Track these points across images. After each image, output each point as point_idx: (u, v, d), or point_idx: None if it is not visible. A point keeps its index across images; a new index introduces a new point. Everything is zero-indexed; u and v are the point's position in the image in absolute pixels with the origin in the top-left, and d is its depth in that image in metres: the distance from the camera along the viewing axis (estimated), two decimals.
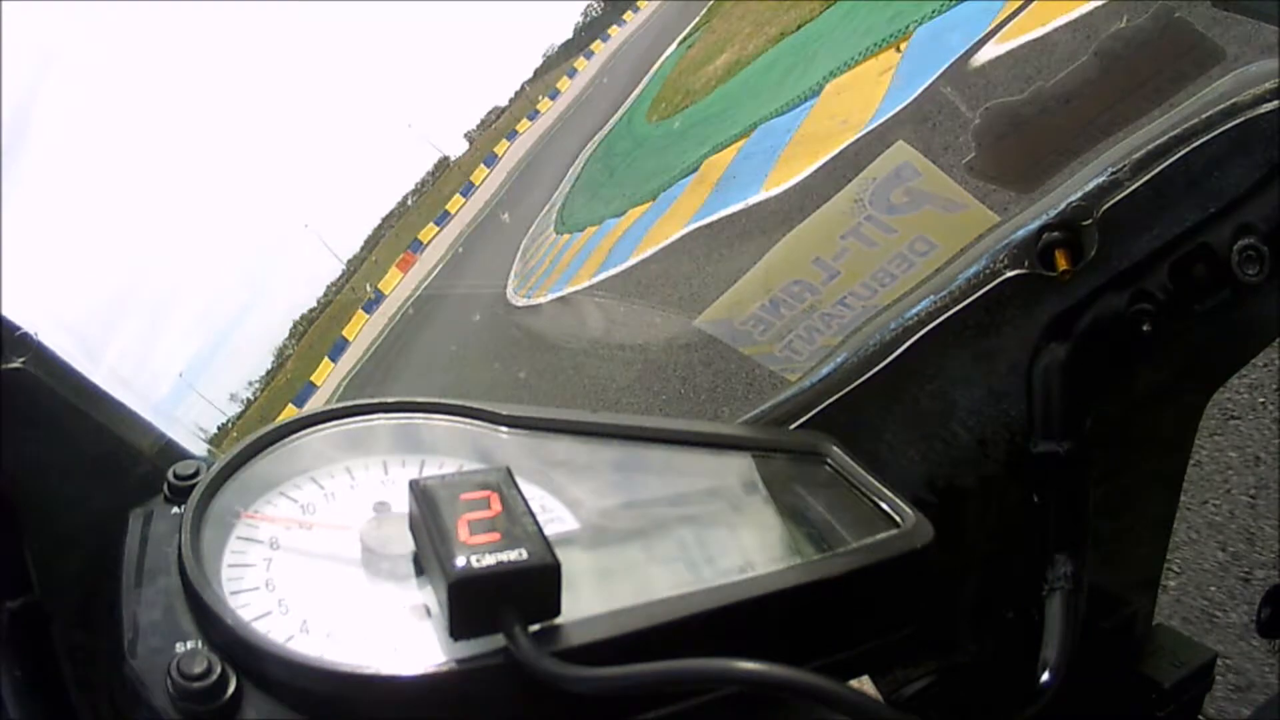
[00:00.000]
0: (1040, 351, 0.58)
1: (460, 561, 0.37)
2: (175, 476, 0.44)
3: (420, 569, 0.41)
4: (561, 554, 0.39)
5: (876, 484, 0.52)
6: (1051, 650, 0.54)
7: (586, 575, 0.43)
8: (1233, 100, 0.59)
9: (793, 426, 0.58)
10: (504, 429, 0.50)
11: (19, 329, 0.48)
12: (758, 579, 0.45)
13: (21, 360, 0.47)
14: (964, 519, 0.58)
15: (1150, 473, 0.66)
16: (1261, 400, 1.85)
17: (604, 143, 10.79)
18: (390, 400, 0.50)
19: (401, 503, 0.43)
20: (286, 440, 0.47)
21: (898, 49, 4.77)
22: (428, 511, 0.40)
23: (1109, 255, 0.58)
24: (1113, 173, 0.59)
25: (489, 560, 0.37)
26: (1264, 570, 1.63)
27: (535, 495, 0.46)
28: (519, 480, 0.42)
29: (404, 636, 0.39)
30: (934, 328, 0.58)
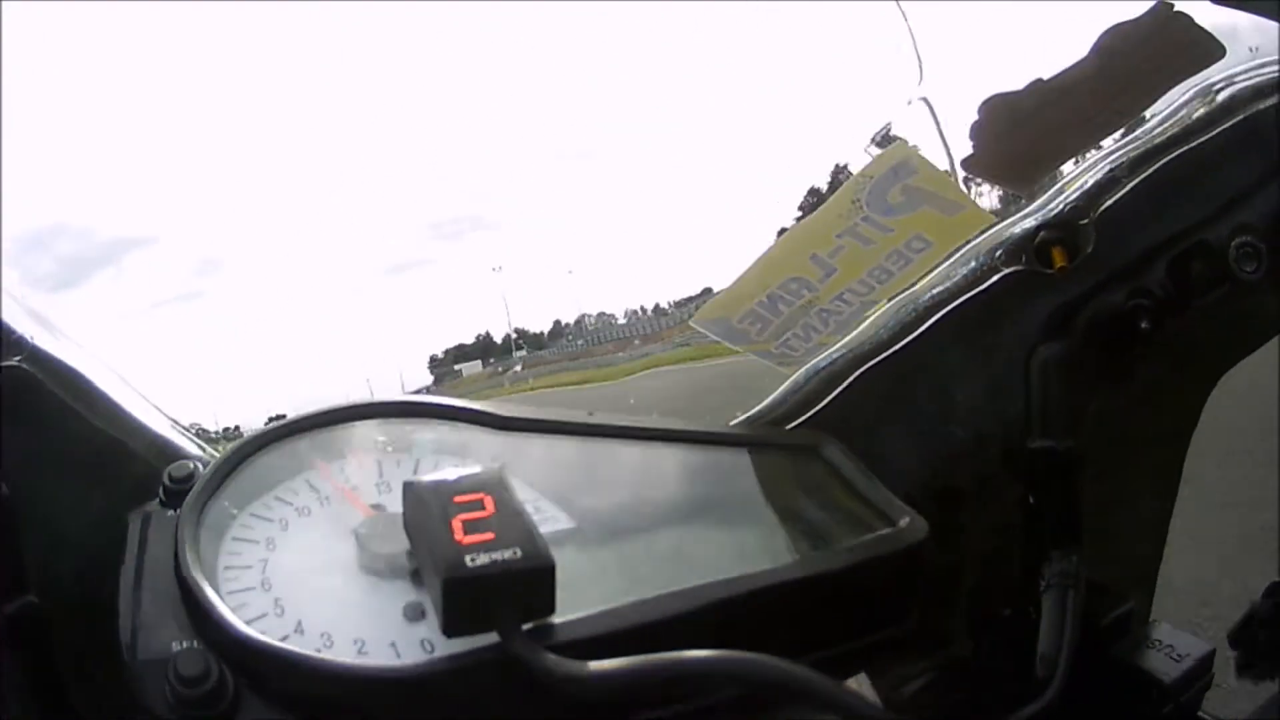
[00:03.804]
0: (1037, 348, 0.58)
1: (454, 561, 0.37)
2: (170, 479, 0.44)
3: (415, 569, 0.41)
4: (555, 553, 0.39)
5: (872, 481, 0.52)
6: (1049, 648, 0.54)
7: (580, 573, 0.43)
8: (1232, 96, 0.59)
9: (789, 425, 0.58)
10: (498, 429, 0.50)
11: (15, 331, 0.48)
12: (752, 576, 0.45)
13: (18, 359, 0.47)
14: (960, 516, 0.58)
15: (1148, 469, 0.66)
16: None
17: None
18: (386, 401, 0.50)
19: (397, 503, 0.43)
20: (281, 442, 0.47)
21: None
22: (422, 511, 0.40)
23: (1106, 252, 0.57)
24: (1110, 169, 0.59)
25: (483, 559, 0.37)
26: None
27: (529, 496, 0.46)
28: (513, 480, 0.42)
29: (399, 635, 0.39)
30: (931, 325, 0.58)
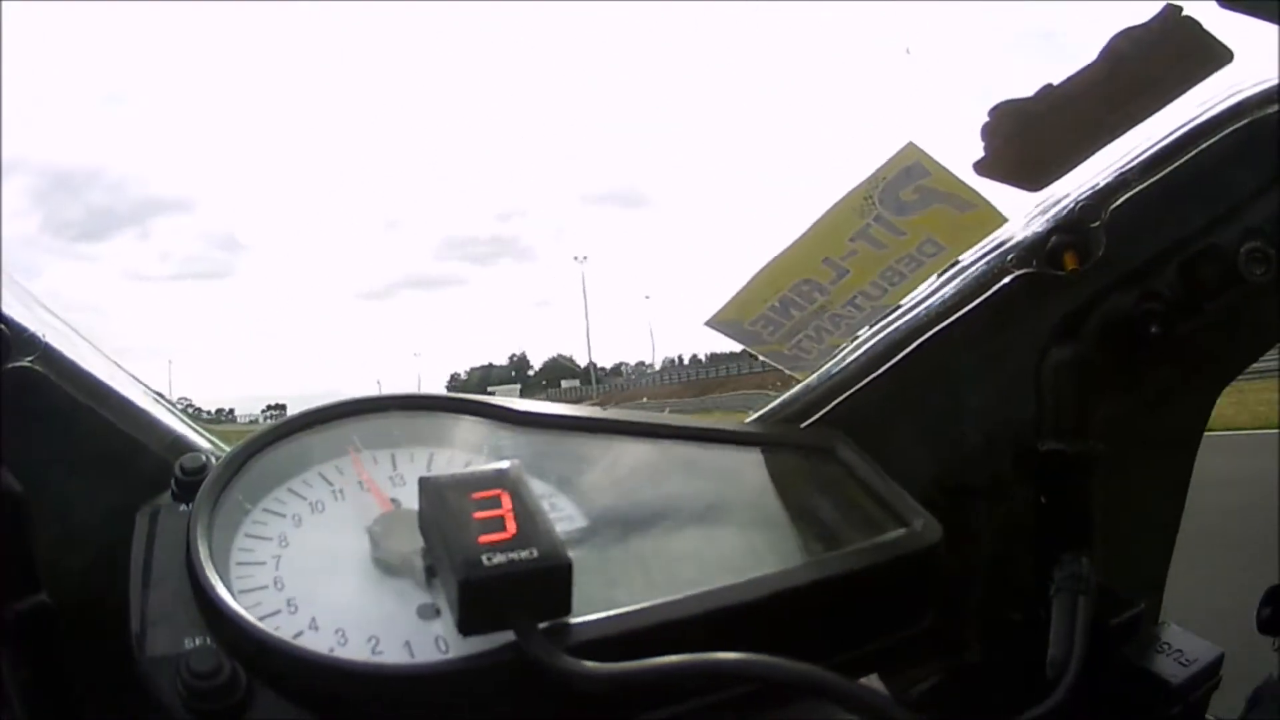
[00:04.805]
0: (1048, 351, 0.58)
1: (472, 560, 0.37)
2: (182, 471, 0.44)
3: (430, 566, 0.41)
4: (571, 552, 0.39)
5: (886, 482, 0.52)
6: (1059, 650, 0.54)
7: (596, 573, 0.43)
8: (1240, 100, 0.59)
9: (803, 424, 0.58)
10: (514, 426, 0.50)
11: (26, 329, 0.48)
12: (767, 577, 0.45)
13: (30, 359, 0.47)
14: (972, 518, 0.58)
15: (1157, 471, 0.66)
16: None
17: None
18: (400, 395, 0.49)
19: (411, 499, 0.42)
20: (295, 435, 0.47)
21: None
22: (438, 508, 0.40)
23: (1116, 255, 0.58)
24: (1121, 173, 0.59)
25: (500, 559, 0.37)
26: None
27: (545, 492, 0.46)
28: (529, 477, 0.42)
29: (413, 634, 0.39)
30: (943, 327, 0.59)
